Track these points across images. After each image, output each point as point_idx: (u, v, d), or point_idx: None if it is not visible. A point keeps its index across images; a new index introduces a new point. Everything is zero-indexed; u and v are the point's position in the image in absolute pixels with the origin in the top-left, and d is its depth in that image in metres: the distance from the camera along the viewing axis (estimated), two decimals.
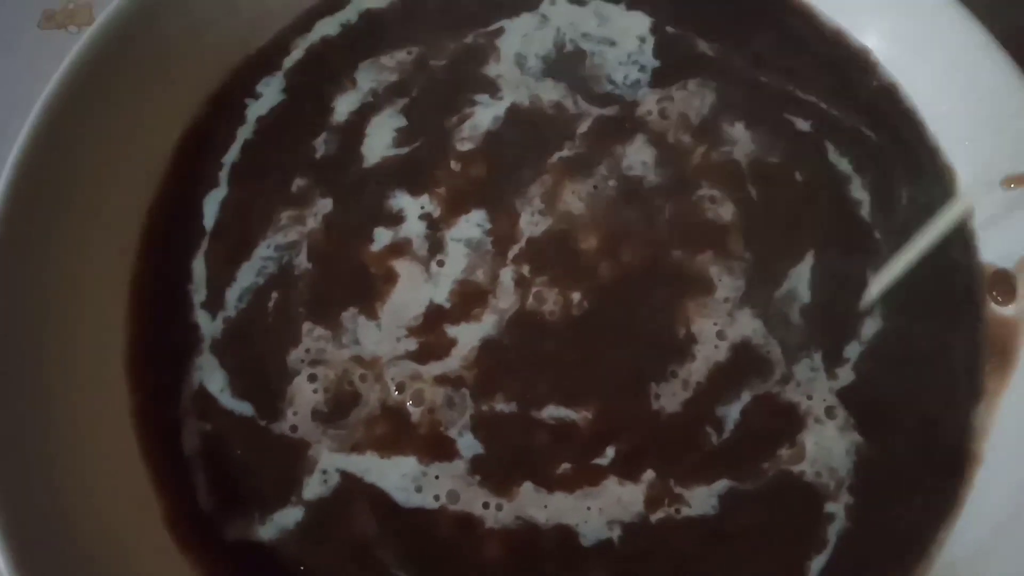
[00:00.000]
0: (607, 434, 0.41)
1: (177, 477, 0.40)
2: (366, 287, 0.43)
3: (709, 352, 0.42)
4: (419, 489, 0.40)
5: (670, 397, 0.42)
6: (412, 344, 0.42)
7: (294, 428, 0.41)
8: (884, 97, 0.48)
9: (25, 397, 0.39)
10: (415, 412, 0.41)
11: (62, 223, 0.42)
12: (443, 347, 0.42)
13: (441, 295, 0.43)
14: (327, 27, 0.50)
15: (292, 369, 0.42)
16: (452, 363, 0.42)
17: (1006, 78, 0.44)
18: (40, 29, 0.58)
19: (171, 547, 0.39)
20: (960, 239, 0.46)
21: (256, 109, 0.47)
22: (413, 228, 0.45)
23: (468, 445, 0.40)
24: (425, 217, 0.45)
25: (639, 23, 0.49)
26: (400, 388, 0.41)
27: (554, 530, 0.39)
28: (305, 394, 0.41)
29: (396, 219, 0.45)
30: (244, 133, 0.47)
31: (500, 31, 0.49)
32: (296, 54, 0.49)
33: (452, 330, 0.43)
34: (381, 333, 0.42)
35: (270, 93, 0.48)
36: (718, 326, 0.43)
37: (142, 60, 0.45)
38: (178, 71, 0.47)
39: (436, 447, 0.41)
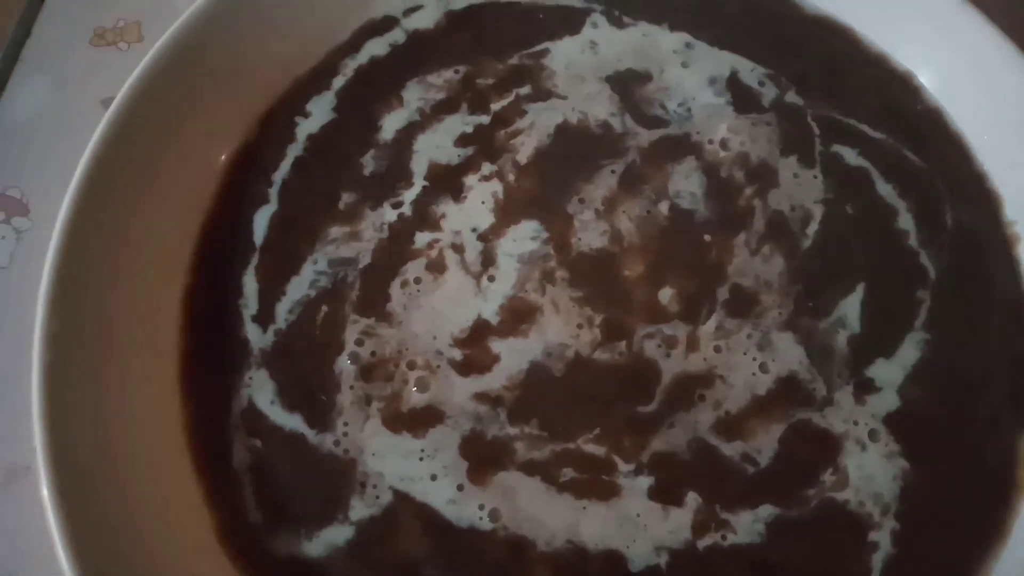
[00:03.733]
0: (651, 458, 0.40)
1: (228, 491, 0.40)
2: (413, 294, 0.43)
3: (748, 378, 0.42)
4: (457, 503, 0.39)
5: (711, 423, 0.40)
6: (457, 354, 0.41)
7: (343, 446, 0.40)
8: (929, 121, 0.47)
9: (82, 411, 0.38)
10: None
11: (119, 239, 0.42)
12: (486, 363, 0.42)
13: (490, 309, 0.42)
14: (376, 47, 0.49)
15: (340, 376, 0.41)
16: (494, 381, 0.41)
17: None
18: (92, 46, 0.58)
19: (224, 561, 0.39)
20: (1005, 265, 0.44)
21: (306, 127, 0.47)
22: (463, 237, 0.44)
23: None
24: (475, 229, 0.44)
25: (680, 43, 0.48)
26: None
27: (603, 555, 0.38)
28: (348, 378, 0.41)
29: (443, 227, 0.44)
30: (294, 151, 0.46)
31: (545, 52, 0.48)
32: (345, 73, 0.48)
33: (497, 345, 0.42)
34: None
35: (320, 112, 0.47)
36: (762, 353, 0.42)
37: (196, 83, 0.45)
38: (231, 92, 0.46)
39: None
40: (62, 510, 0.35)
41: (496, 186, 0.45)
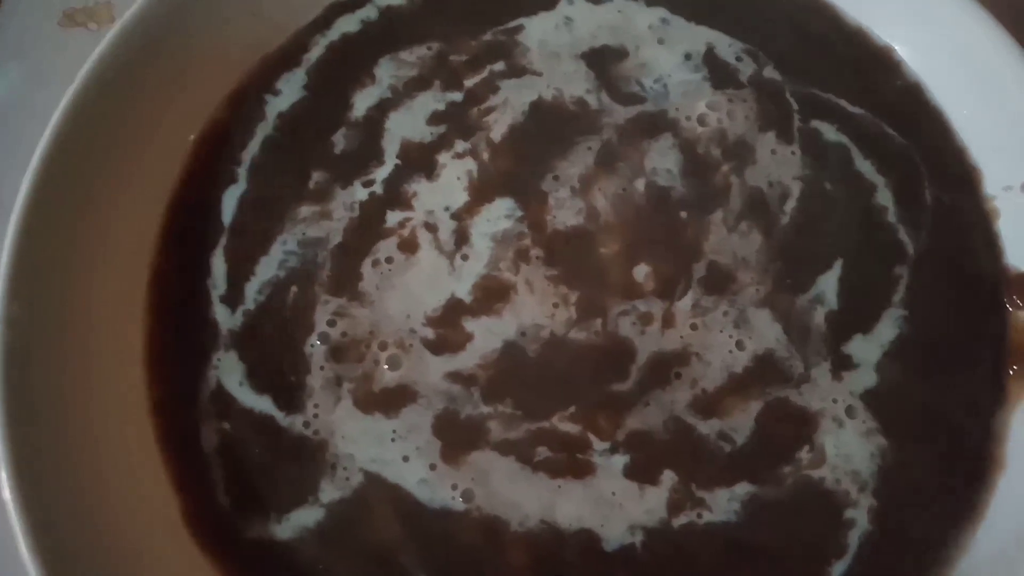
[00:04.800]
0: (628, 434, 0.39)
1: (196, 475, 0.39)
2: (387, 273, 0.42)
3: (725, 356, 0.41)
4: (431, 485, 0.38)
5: (688, 402, 0.40)
6: (429, 333, 0.41)
7: (313, 427, 0.39)
8: (909, 96, 0.46)
9: (45, 394, 0.37)
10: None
11: (83, 219, 0.40)
12: (459, 342, 0.41)
13: (463, 288, 0.41)
14: (348, 24, 0.47)
15: (310, 358, 0.40)
16: (468, 360, 0.40)
17: None
18: (60, 28, 0.56)
19: (190, 544, 0.38)
20: (984, 240, 0.44)
21: (276, 106, 0.45)
22: (436, 216, 0.43)
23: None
24: (448, 208, 0.43)
25: (657, 18, 0.47)
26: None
27: (577, 535, 0.38)
28: (319, 359, 0.40)
29: (415, 207, 0.43)
30: (264, 129, 0.45)
31: (520, 28, 0.47)
32: (316, 51, 0.46)
33: (471, 325, 0.41)
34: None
35: (290, 90, 0.46)
36: (739, 331, 0.41)
37: (164, 59, 0.43)
38: (199, 70, 0.45)
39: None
40: (22, 492, 0.34)
41: (470, 164, 0.44)
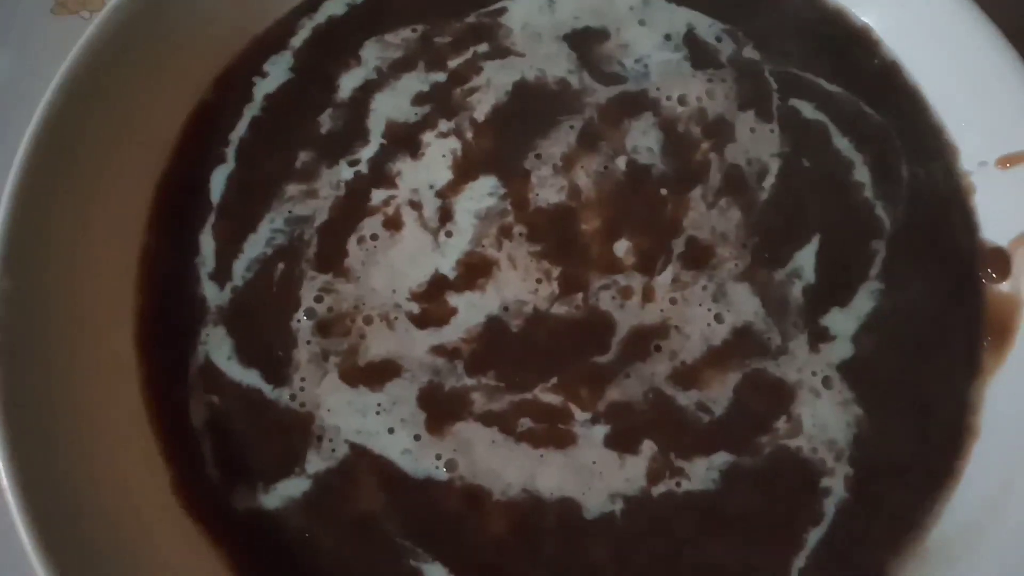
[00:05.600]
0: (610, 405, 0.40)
1: (185, 447, 0.39)
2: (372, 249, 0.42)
3: (704, 329, 0.41)
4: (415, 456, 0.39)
5: (667, 373, 0.40)
6: (414, 308, 0.41)
7: (300, 400, 0.40)
8: (886, 75, 0.46)
9: (37, 369, 0.38)
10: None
11: (74, 199, 0.41)
12: (443, 316, 0.41)
13: (447, 264, 0.42)
14: (334, 7, 0.48)
15: (297, 332, 0.41)
16: (452, 334, 0.41)
17: (1004, 61, 0.42)
18: (53, 15, 0.57)
19: (180, 514, 0.38)
20: (960, 215, 0.44)
21: (264, 87, 0.46)
22: (420, 194, 0.43)
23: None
24: (433, 186, 0.43)
25: (637, 0, 0.47)
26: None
27: (558, 503, 0.38)
28: (305, 333, 0.41)
29: (399, 185, 0.43)
30: (252, 110, 0.45)
31: (503, 10, 0.47)
32: (303, 34, 0.47)
33: (455, 299, 0.41)
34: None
35: (277, 72, 0.46)
36: (718, 304, 0.41)
37: (153, 42, 0.44)
38: (188, 52, 0.45)
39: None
40: (15, 464, 0.35)
41: (454, 143, 0.44)
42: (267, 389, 0.40)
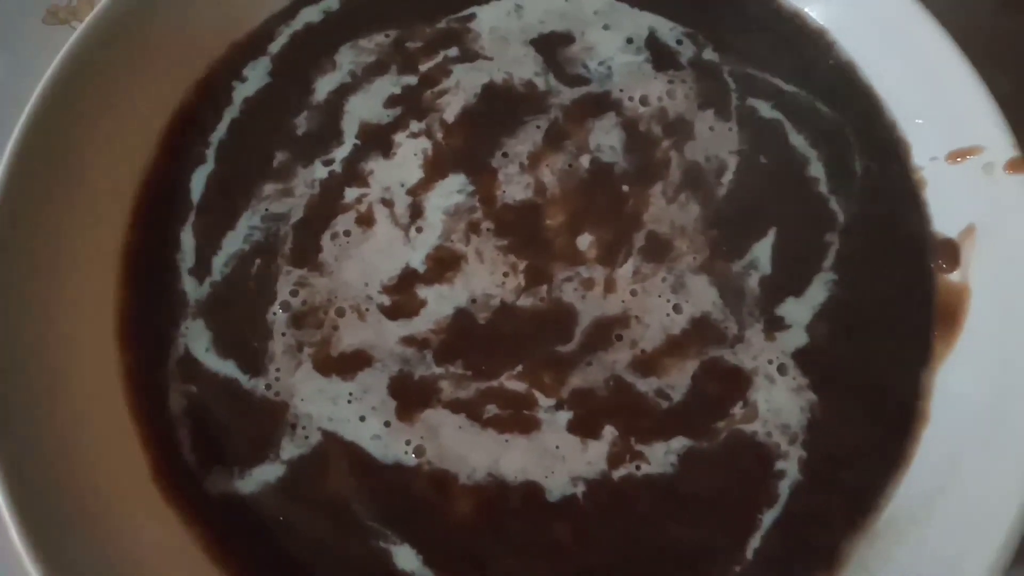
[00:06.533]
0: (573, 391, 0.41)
1: (164, 434, 0.40)
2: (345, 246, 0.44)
3: (663, 319, 0.42)
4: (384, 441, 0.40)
5: (628, 362, 0.41)
6: (385, 300, 0.42)
7: (275, 389, 0.41)
8: (841, 75, 0.48)
9: (21, 359, 0.39)
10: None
11: (57, 197, 0.42)
12: (413, 308, 0.42)
13: (417, 258, 0.43)
14: (311, 14, 0.49)
15: (272, 325, 0.42)
16: (421, 325, 0.42)
17: (953, 61, 0.44)
18: (44, 24, 0.58)
19: (157, 500, 0.39)
20: (912, 208, 0.45)
21: (243, 91, 0.47)
22: (392, 192, 0.45)
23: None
24: (404, 184, 0.45)
25: (602, 4, 0.49)
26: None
27: (522, 486, 0.39)
28: (280, 326, 0.42)
29: (371, 184, 0.45)
30: (231, 113, 0.47)
31: (472, 16, 0.49)
32: (281, 40, 0.48)
33: (424, 292, 0.43)
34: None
35: (256, 76, 0.48)
36: (676, 295, 0.43)
37: (136, 47, 0.45)
38: (170, 57, 0.47)
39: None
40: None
41: (425, 143, 0.46)
42: (243, 379, 0.41)
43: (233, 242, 0.44)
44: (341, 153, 0.46)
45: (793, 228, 0.44)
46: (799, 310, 0.43)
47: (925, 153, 0.46)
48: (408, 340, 0.42)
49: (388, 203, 0.45)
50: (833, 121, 0.47)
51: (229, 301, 0.43)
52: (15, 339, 0.39)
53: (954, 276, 0.43)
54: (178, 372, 0.42)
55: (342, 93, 0.47)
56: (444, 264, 0.43)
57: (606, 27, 0.49)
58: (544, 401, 0.41)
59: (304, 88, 0.47)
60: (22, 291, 0.40)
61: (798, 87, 0.47)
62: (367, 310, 0.42)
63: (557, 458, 0.40)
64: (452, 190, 0.45)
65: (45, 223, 0.42)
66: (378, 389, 0.41)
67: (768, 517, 0.39)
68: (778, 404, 0.41)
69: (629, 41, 0.48)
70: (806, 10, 0.49)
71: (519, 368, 0.41)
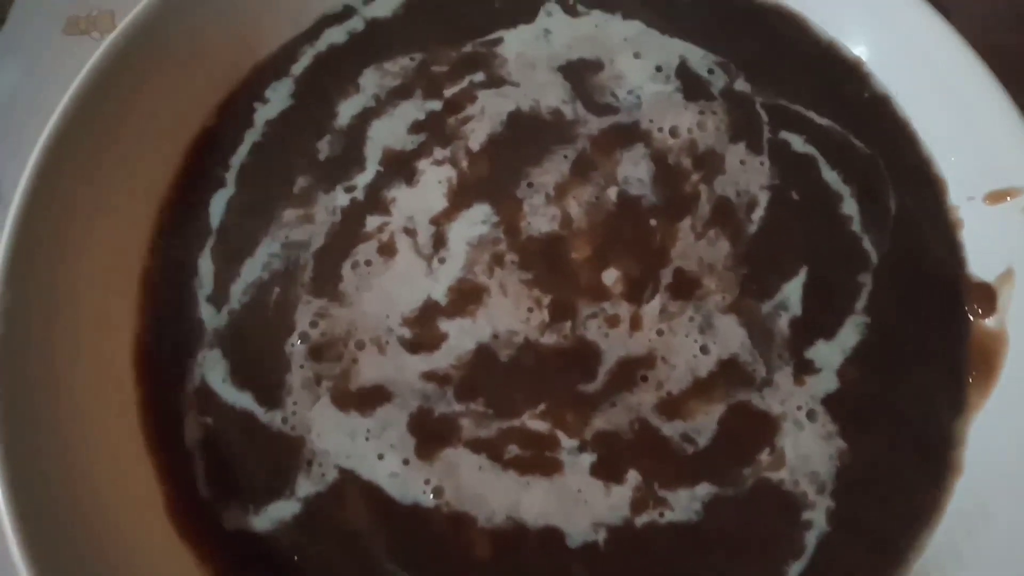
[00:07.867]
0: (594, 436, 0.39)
1: (178, 467, 0.39)
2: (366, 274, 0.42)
3: (690, 359, 0.41)
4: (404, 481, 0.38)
5: (653, 403, 0.40)
6: (406, 333, 0.41)
7: (291, 424, 0.40)
8: (876, 108, 0.46)
9: (36, 387, 0.38)
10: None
11: (77, 218, 0.41)
12: (434, 342, 0.41)
13: (440, 290, 0.42)
14: (335, 35, 0.48)
15: (291, 356, 0.41)
16: (442, 360, 0.41)
17: (993, 98, 0.42)
18: (64, 35, 0.57)
19: (171, 534, 0.38)
20: (947, 250, 0.44)
21: (264, 113, 0.46)
22: (414, 221, 0.43)
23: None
24: (427, 213, 0.43)
25: (632, 31, 0.47)
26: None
27: (542, 531, 0.38)
28: (299, 358, 0.40)
29: (393, 212, 0.43)
30: (252, 136, 0.45)
31: (499, 40, 0.47)
32: (304, 61, 0.47)
33: (446, 325, 0.41)
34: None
35: (278, 98, 0.46)
36: (704, 335, 0.41)
37: (158, 66, 0.44)
38: (192, 78, 0.45)
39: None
40: (11, 482, 0.35)
41: (449, 171, 0.44)
42: (260, 412, 0.40)
43: (252, 269, 0.43)
44: (364, 179, 0.44)
45: (825, 268, 0.43)
46: (829, 353, 0.41)
47: (962, 192, 0.44)
48: (428, 375, 0.41)
49: (411, 232, 0.43)
50: (867, 157, 0.45)
51: (247, 331, 0.42)
52: (30, 362, 0.38)
53: (990, 322, 0.42)
54: (194, 403, 0.40)
55: (365, 117, 0.45)
56: (466, 297, 0.42)
57: (636, 55, 0.47)
58: (567, 442, 0.39)
59: (327, 111, 0.46)
60: (38, 311, 0.39)
61: (832, 120, 0.46)
62: (387, 343, 0.41)
63: (579, 502, 0.39)
64: (476, 220, 0.43)
65: (64, 242, 0.41)
66: (397, 426, 0.40)
67: (794, 570, 0.38)
68: (806, 451, 0.39)
69: (659, 69, 0.46)
70: (841, 40, 0.47)
71: (542, 407, 0.40)
